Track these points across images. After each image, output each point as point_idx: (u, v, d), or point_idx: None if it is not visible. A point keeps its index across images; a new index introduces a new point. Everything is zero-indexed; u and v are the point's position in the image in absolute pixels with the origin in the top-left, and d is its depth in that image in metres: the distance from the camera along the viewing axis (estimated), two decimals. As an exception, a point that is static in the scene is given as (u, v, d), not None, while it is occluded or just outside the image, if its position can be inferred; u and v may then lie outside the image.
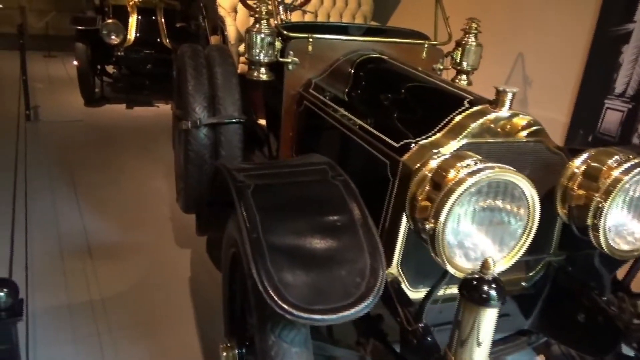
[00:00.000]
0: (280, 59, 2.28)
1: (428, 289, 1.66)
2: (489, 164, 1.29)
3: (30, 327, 2.29)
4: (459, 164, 1.31)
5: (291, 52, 2.30)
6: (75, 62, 5.99)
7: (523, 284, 1.80)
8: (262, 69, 2.28)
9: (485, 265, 1.16)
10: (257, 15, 2.21)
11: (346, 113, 2.02)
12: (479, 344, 1.15)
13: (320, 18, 3.47)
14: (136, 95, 6.50)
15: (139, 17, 6.13)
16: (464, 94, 1.79)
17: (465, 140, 1.51)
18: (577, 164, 1.57)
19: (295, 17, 3.06)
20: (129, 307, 2.49)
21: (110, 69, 6.53)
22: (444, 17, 2.70)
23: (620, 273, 1.83)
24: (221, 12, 3.32)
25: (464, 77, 2.70)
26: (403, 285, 1.60)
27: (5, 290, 1.31)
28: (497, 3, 3.47)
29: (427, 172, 1.40)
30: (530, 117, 1.59)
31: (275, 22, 2.29)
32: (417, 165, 1.47)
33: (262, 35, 2.21)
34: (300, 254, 1.21)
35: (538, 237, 1.41)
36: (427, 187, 1.38)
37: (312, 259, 1.21)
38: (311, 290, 1.15)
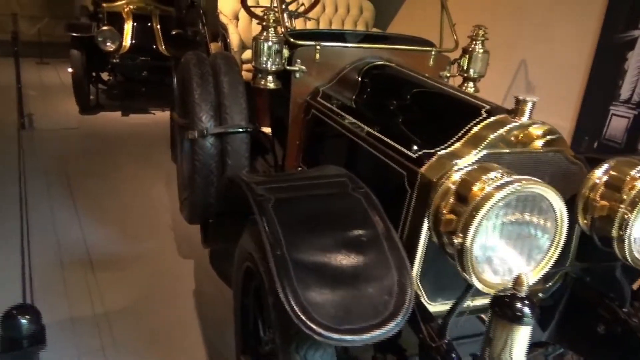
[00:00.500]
0: (288, 67, 2.25)
1: (446, 302, 1.64)
2: (516, 177, 1.26)
3: (33, 343, 2.22)
4: (484, 177, 1.29)
5: (298, 60, 2.26)
6: (70, 70, 5.92)
7: (540, 295, 1.77)
8: (270, 77, 2.24)
9: (518, 282, 1.13)
10: (264, 23, 2.18)
11: (357, 121, 1.99)
12: (511, 363, 1.12)
13: (322, 25, 3.45)
14: (132, 102, 6.43)
15: (134, 23, 6.07)
16: (479, 102, 1.76)
17: (485, 151, 1.48)
18: (599, 174, 1.55)
19: (297, 24, 3.03)
20: (133, 321, 2.44)
21: (105, 76, 6.46)
22: (450, 24, 2.68)
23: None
24: (222, 19, 3.28)
25: (470, 84, 2.68)
26: (422, 299, 1.56)
27: (27, 317, 1.24)
28: (500, 10, 3.47)
29: (450, 185, 1.37)
30: (549, 125, 1.57)
31: (282, 29, 2.25)
32: (438, 177, 1.44)
33: (270, 43, 2.18)
34: (326, 272, 1.17)
35: None
36: (452, 200, 1.35)
37: (339, 276, 1.17)
38: (339, 310, 1.11)
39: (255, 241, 1.50)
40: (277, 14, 2.19)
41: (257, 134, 2.80)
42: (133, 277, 2.79)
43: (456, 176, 1.39)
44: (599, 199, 1.53)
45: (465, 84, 2.69)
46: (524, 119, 1.53)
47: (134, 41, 5.99)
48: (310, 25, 3.34)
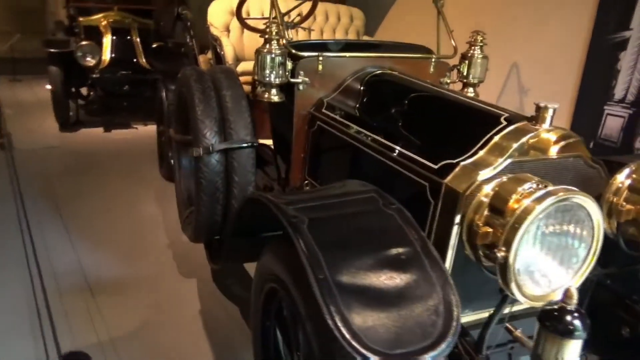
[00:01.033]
0: (291, 80, 2.21)
1: (473, 313, 1.62)
2: (552, 187, 1.25)
3: (37, 376, 2.13)
4: (520, 189, 1.27)
5: (301, 72, 2.23)
6: (48, 86, 5.76)
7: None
8: (273, 90, 2.21)
9: (568, 295, 1.12)
10: (267, 36, 2.15)
11: (368, 132, 1.96)
12: (563, 378, 1.10)
13: (314, 35, 3.41)
14: (113, 118, 6.29)
15: (114, 37, 5.94)
16: (496, 110, 1.76)
17: (509, 160, 1.46)
18: (621, 178, 1.56)
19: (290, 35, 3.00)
20: (141, 346, 2.35)
21: (84, 91, 6.31)
22: (447, 31, 2.68)
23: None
24: (213, 31, 3.22)
25: (470, 89, 2.69)
26: (453, 313, 1.54)
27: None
28: (491, 14, 3.49)
29: (482, 197, 1.36)
30: (568, 130, 1.57)
31: (283, 41, 2.22)
32: (464, 188, 1.42)
33: (273, 56, 2.14)
34: (371, 294, 1.13)
35: None
36: (486, 212, 1.33)
37: (384, 298, 1.13)
38: (389, 333, 1.08)
39: (284, 263, 1.45)
40: (279, 26, 2.15)
41: (259, 147, 2.75)
42: (135, 300, 2.70)
43: (487, 188, 1.37)
44: (624, 203, 1.53)
45: (465, 90, 2.69)
46: (545, 125, 1.53)
47: (113, 55, 5.87)
48: (302, 35, 3.31)
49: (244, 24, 2.78)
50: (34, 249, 3.09)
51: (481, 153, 1.53)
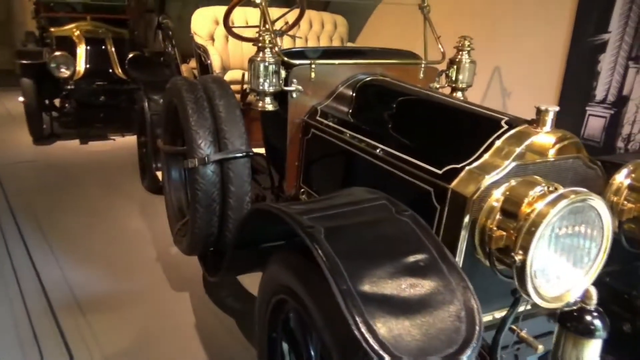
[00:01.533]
0: (285, 88, 2.20)
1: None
2: (563, 190, 1.27)
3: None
4: (531, 192, 1.29)
5: (294, 80, 2.22)
6: (21, 99, 5.60)
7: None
8: (267, 99, 2.19)
9: (587, 295, 1.13)
10: (260, 44, 2.13)
11: (366, 139, 1.96)
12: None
13: (299, 42, 3.41)
14: (88, 129, 6.17)
15: (88, 47, 5.83)
16: (494, 114, 1.78)
17: (514, 163, 1.48)
18: (620, 178, 1.60)
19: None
20: (137, 363, 2.29)
21: (57, 102, 6.16)
22: (435, 37, 2.71)
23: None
24: (198, 40, 3.19)
25: (459, 94, 2.72)
26: (463, 317, 1.54)
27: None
28: (471, 19, 3.55)
29: (494, 202, 1.37)
30: (566, 132, 1.60)
31: (276, 49, 2.20)
32: (472, 192, 1.43)
33: (267, 64, 2.13)
34: (394, 303, 1.13)
35: None
36: (498, 217, 1.34)
37: (407, 306, 1.13)
38: (415, 342, 1.07)
39: (295, 273, 1.43)
40: (272, 35, 2.14)
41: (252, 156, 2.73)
42: (127, 316, 2.63)
43: (497, 192, 1.39)
44: (625, 202, 1.57)
45: (454, 94, 2.72)
46: (546, 128, 1.55)
47: (88, 66, 5.76)
48: (287, 43, 3.30)
49: (231, 33, 2.76)
50: (14, 268, 2.99)
51: (485, 157, 1.54)
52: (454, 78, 2.67)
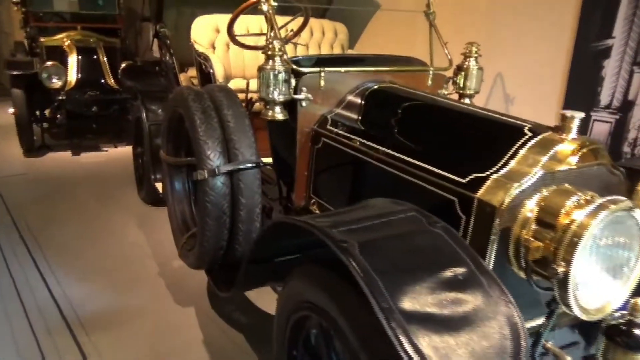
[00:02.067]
0: (294, 96, 2.15)
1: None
2: (601, 200, 1.24)
3: None
4: (568, 202, 1.26)
5: (304, 88, 2.18)
6: (11, 110, 5.48)
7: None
8: (277, 108, 2.14)
9: (635, 308, 1.09)
10: (269, 52, 2.09)
11: (382, 147, 1.92)
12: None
13: (300, 50, 3.37)
14: (80, 140, 6.07)
15: (79, 57, 5.73)
16: (514, 121, 1.75)
17: (541, 172, 1.45)
18: (647, 185, 1.57)
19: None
20: (146, 384, 2.21)
21: (48, 113, 6.03)
22: (441, 43, 2.69)
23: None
24: (199, 48, 3.13)
25: (467, 100, 2.69)
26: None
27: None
28: (473, 25, 3.54)
29: (527, 212, 1.33)
30: (590, 138, 1.58)
31: (285, 57, 2.16)
32: (500, 202, 1.40)
33: (277, 72, 2.08)
34: (438, 320, 1.08)
35: None
36: (534, 227, 1.31)
37: (451, 323, 1.08)
38: (463, 361, 1.02)
39: (323, 289, 1.37)
40: (281, 42, 2.09)
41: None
42: (132, 333, 2.54)
43: (531, 202, 1.35)
44: (654, 209, 1.54)
45: (461, 101, 2.70)
46: (571, 135, 1.53)
47: (80, 75, 5.66)
48: (289, 50, 3.26)
49: (235, 42, 2.71)
50: (15, 285, 2.89)
51: (511, 165, 1.51)
52: (461, 85, 2.65)
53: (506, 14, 3.41)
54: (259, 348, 2.42)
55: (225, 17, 3.24)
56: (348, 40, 3.69)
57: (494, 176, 1.49)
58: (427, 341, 1.03)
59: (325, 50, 3.55)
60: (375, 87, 2.28)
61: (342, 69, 2.29)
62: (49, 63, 5.36)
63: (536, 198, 1.35)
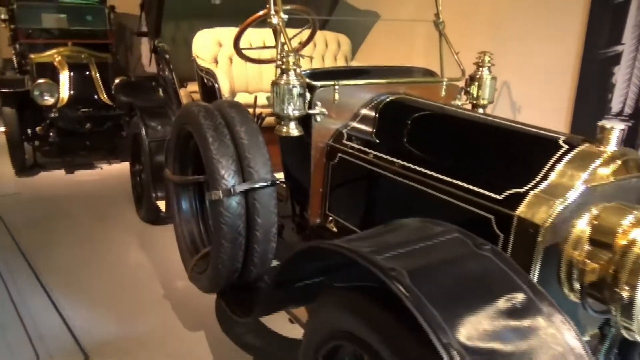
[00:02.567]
0: (309, 111, 2.08)
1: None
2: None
3: None
4: (623, 222, 1.19)
5: (318, 103, 2.10)
6: (2, 128, 5.34)
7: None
8: (292, 124, 2.06)
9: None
10: (283, 67, 2.01)
11: (406, 163, 1.85)
12: None
13: (304, 63, 3.30)
14: (73, 158, 5.94)
15: (71, 73, 5.62)
16: (544, 132, 1.69)
17: (583, 187, 1.38)
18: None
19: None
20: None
21: (39, 131, 5.89)
22: (452, 53, 2.64)
23: None
24: (201, 63, 3.05)
25: (480, 110, 2.64)
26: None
27: None
28: (483, 35, 3.50)
29: (579, 233, 1.26)
30: (625, 148, 1.53)
31: (299, 71, 2.08)
32: (544, 220, 1.33)
33: (291, 87, 2.00)
34: (502, 355, 0.99)
35: None
36: (587, 247, 1.24)
37: (516, 358, 0.99)
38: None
39: (363, 319, 1.29)
40: (296, 55, 2.02)
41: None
42: (141, 361, 2.43)
43: (582, 222, 1.28)
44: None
45: (475, 111, 2.64)
46: (611, 147, 1.47)
47: (72, 92, 5.56)
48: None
49: (242, 56, 2.63)
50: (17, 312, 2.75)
51: (550, 180, 1.44)
52: (475, 95, 2.60)
53: (512, 21, 3.37)
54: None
55: (228, 31, 3.17)
56: (351, 52, 3.63)
57: (532, 192, 1.43)
58: (495, 379, 0.95)
59: (328, 62, 3.48)
60: (390, 99, 2.22)
61: (357, 82, 2.22)
62: (40, 80, 5.25)
63: (587, 217, 1.28)
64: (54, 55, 5.78)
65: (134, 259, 3.51)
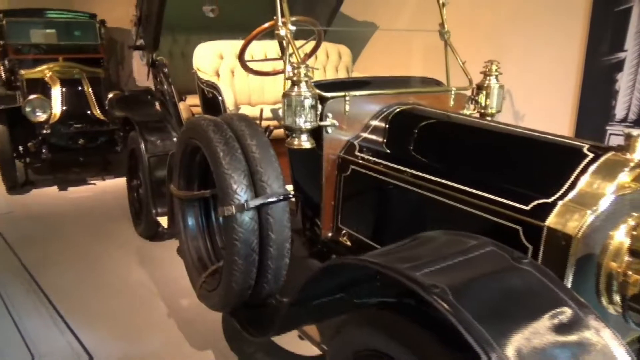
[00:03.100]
0: (321, 123, 2.04)
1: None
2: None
3: None
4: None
5: (329, 114, 2.07)
6: (-7, 146, 5.24)
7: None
8: (304, 136, 2.02)
9: None
10: (294, 78, 1.97)
11: (423, 174, 1.81)
12: None
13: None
14: (65, 175, 5.84)
15: (63, 89, 5.54)
16: (566, 140, 1.67)
17: (613, 196, 1.36)
18: None
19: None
20: None
21: (31, 147, 5.79)
22: (459, 62, 2.62)
23: None
24: (203, 76, 3.01)
25: (488, 119, 2.62)
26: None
27: None
28: (481, 43, 3.50)
29: (618, 244, 1.23)
30: None
31: (311, 82, 2.05)
32: (576, 230, 1.30)
33: (303, 99, 1.97)
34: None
35: None
36: (627, 259, 1.21)
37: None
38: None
39: (398, 337, 1.24)
40: (308, 67, 1.98)
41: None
42: (149, 384, 2.35)
43: (619, 233, 1.25)
44: None
45: (487, 120, 2.62)
46: (637, 155, 1.45)
47: (64, 108, 5.47)
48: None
49: (247, 69, 2.59)
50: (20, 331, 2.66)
51: (579, 189, 1.42)
52: (483, 104, 2.58)
53: (513, 29, 3.38)
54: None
55: (229, 43, 3.14)
56: (352, 62, 3.62)
57: (561, 202, 1.40)
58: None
59: (330, 73, 3.46)
60: (401, 109, 2.19)
61: (367, 92, 2.19)
62: (32, 96, 5.17)
63: (624, 227, 1.25)
64: (44, 71, 5.70)
65: (135, 276, 3.43)
